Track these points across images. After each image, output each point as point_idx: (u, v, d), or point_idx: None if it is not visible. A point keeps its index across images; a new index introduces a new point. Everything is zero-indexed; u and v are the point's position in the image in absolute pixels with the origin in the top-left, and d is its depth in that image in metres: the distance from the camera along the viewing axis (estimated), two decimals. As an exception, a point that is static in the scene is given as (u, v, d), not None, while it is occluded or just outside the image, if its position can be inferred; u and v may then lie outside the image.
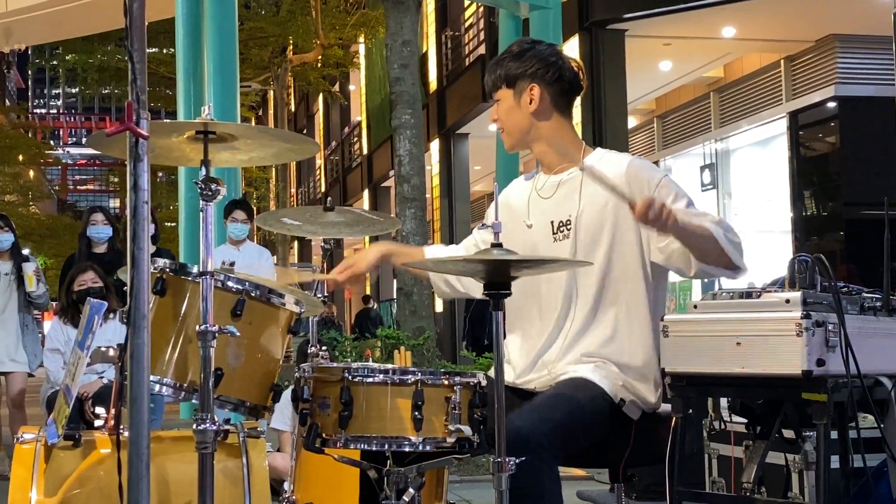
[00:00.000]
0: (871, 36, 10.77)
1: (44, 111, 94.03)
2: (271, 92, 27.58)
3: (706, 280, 3.52)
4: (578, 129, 2.95)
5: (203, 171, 2.37)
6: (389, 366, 2.30)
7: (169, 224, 21.04)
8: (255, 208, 15.83)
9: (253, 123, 25.41)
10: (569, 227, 2.66)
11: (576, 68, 2.74)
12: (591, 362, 2.60)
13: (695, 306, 2.51)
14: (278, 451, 5.33)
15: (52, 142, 55.93)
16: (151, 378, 2.21)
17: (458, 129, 17.43)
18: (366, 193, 23.98)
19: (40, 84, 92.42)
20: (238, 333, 2.33)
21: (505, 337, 2.71)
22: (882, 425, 2.51)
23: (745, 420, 2.69)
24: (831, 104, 11.42)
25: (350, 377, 2.20)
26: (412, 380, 2.20)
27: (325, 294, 2.96)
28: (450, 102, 17.64)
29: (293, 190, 33.91)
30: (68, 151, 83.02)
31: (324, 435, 2.21)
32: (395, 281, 14.44)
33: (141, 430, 1.88)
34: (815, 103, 11.60)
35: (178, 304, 2.41)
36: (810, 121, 11.91)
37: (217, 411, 2.32)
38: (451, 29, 18.27)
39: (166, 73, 19.35)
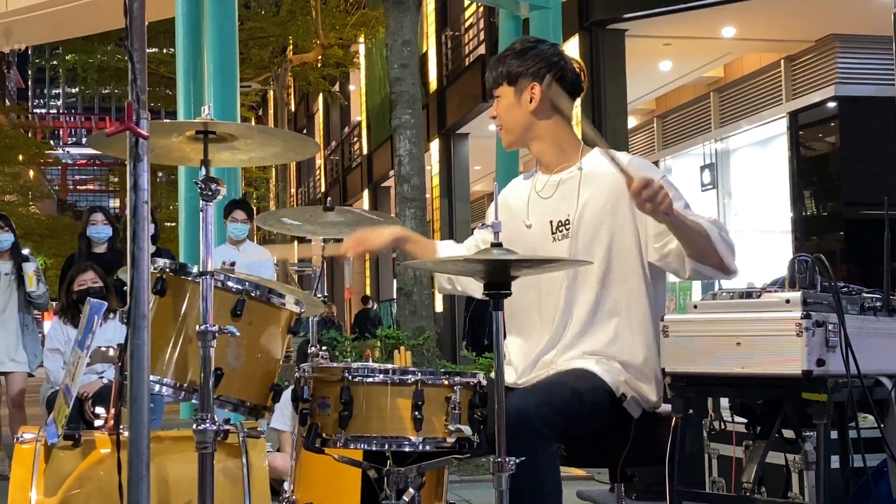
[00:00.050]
0: (871, 36, 10.78)
1: (44, 111, 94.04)
2: (271, 92, 27.58)
3: (706, 280, 3.52)
4: (578, 130, 2.94)
5: (203, 171, 2.37)
6: (389, 366, 2.30)
7: (169, 224, 21.05)
8: (255, 208, 15.83)
9: (253, 123, 25.39)
10: (568, 226, 2.66)
11: (577, 69, 2.74)
12: (593, 357, 2.60)
13: (695, 306, 2.51)
14: (278, 451, 5.33)
15: (52, 142, 55.96)
16: (151, 378, 2.21)
17: (458, 129, 17.43)
18: (366, 193, 23.97)
19: (40, 84, 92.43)
20: (238, 333, 2.33)
21: (505, 338, 2.72)
22: (882, 425, 2.51)
23: (745, 420, 2.69)
24: (831, 104, 11.42)
25: (350, 377, 2.20)
26: (412, 380, 2.20)
27: (325, 294, 2.96)
28: (450, 102, 17.64)
29: (293, 190, 33.91)
30: (68, 151, 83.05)
31: (324, 435, 2.21)
32: (395, 281, 14.43)
33: (141, 430, 1.88)
34: (815, 103, 11.60)
35: (178, 304, 2.41)
36: (810, 121, 11.91)
37: (217, 411, 2.32)
38: (451, 29, 18.27)
39: (166, 73, 19.35)
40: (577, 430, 2.49)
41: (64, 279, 5.94)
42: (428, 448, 2.21)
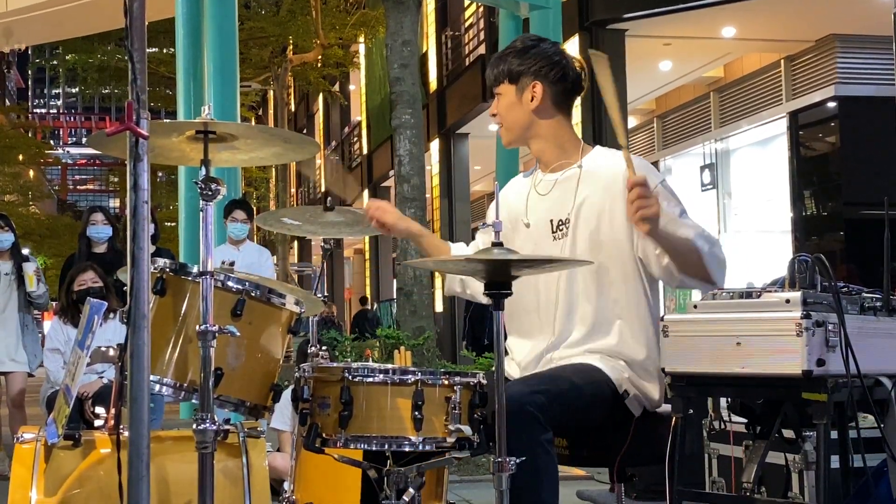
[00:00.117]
0: (871, 36, 10.77)
1: (44, 111, 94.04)
2: (271, 92, 27.58)
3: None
4: (578, 129, 2.94)
5: (203, 171, 2.37)
6: (389, 366, 2.30)
7: (169, 224, 21.04)
8: (255, 208, 15.84)
9: (253, 123, 25.40)
10: (567, 225, 2.67)
11: (579, 68, 2.74)
12: (597, 355, 2.60)
13: (695, 306, 2.51)
14: (278, 451, 5.33)
15: (52, 142, 55.99)
16: (151, 378, 2.21)
17: (458, 129, 17.43)
18: (366, 193, 23.98)
19: (40, 84, 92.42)
20: (238, 333, 2.33)
21: (507, 337, 2.72)
22: (882, 425, 2.51)
23: (745, 420, 2.69)
24: (831, 104, 11.42)
25: (350, 377, 2.20)
26: (412, 380, 2.20)
27: (325, 294, 2.96)
28: (450, 102, 17.63)
29: (293, 190, 33.91)
30: (68, 151, 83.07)
31: (324, 435, 2.21)
32: (395, 281, 14.44)
33: (141, 430, 1.88)
34: (815, 103, 11.60)
35: (178, 304, 2.41)
36: (810, 121, 11.91)
37: (217, 411, 2.32)
38: (451, 29, 18.27)
39: (166, 73, 19.35)
40: (575, 422, 2.49)
41: (64, 279, 5.94)
42: (428, 448, 2.21)
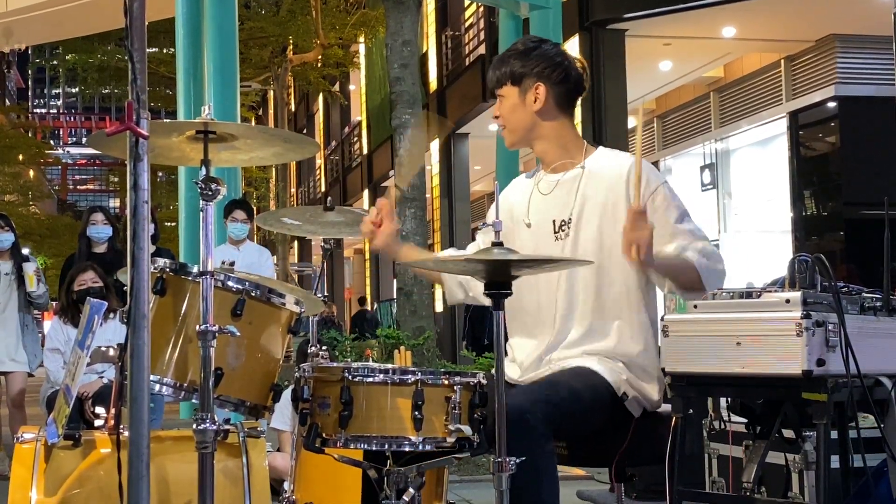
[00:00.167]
0: (871, 36, 10.78)
1: (44, 111, 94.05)
2: (271, 92, 27.58)
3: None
4: (578, 129, 2.94)
5: (203, 171, 2.37)
6: (389, 366, 2.30)
7: (169, 224, 21.05)
8: (255, 208, 15.84)
9: (253, 123, 25.40)
10: (569, 225, 2.67)
11: (581, 69, 2.75)
12: (595, 356, 2.61)
13: (695, 306, 2.51)
14: (278, 451, 5.33)
15: (52, 142, 55.99)
16: (151, 378, 2.21)
17: (458, 129, 17.43)
18: (366, 193, 23.97)
19: (40, 84, 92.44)
20: (238, 333, 2.33)
21: (508, 338, 2.72)
22: (882, 425, 2.51)
23: (745, 420, 2.69)
24: (831, 104, 11.43)
25: (350, 377, 2.20)
26: (412, 380, 2.20)
27: (325, 294, 2.96)
28: (450, 102, 17.64)
29: (293, 190, 33.92)
30: (68, 151, 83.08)
31: (324, 435, 2.21)
32: (395, 281, 14.44)
33: (141, 430, 1.88)
34: (815, 103, 11.60)
35: (178, 304, 2.41)
36: (810, 121, 11.92)
37: (217, 411, 2.32)
38: (451, 29, 18.27)
39: (166, 73, 19.35)
40: (576, 428, 2.49)
41: (64, 279, 5.94)
42: (428, 448, 2.21)
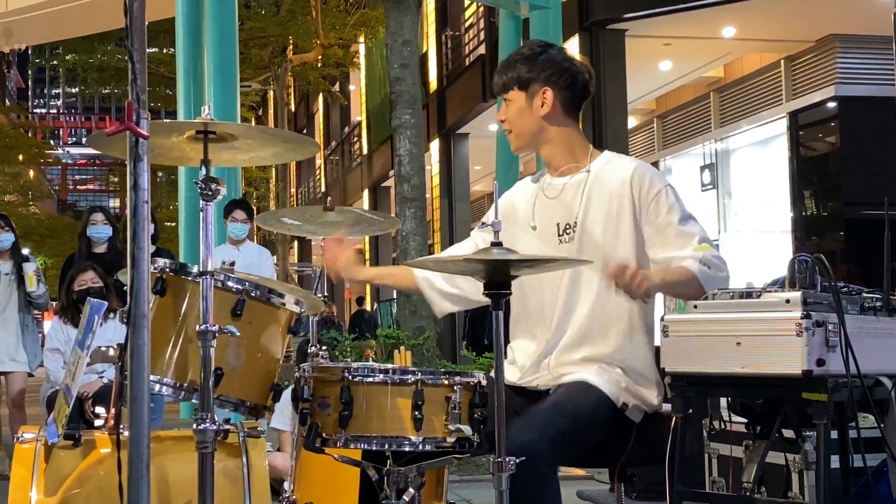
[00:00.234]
0: (871, 36, 10.77)
1: (44, 111, 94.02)
2: (271, 92, 27.58)
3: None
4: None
5: (203, 171, 2.38)
6: (389, 366, 2.30)
7: (169, 224, 21.04)
8: (255, 208, 15.84)
9: (253, 123, 25.39)
10: (574, 229, 2.67)
11: (587, 74, 2.75)
12: (594, 364, 2.60)
13: (695, 306, 2.51)
14: (278, 450, 5.33)
15: (52, 142, 56.01)
16: (151, 378, 2.21)
17: (458, 129, 17.43)
18: (366, 193, 23.97)
19: (40, 84, 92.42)
20: (238, 333, 2.33)
21: (510, 341, 2.73)
22: (882, 425, 2.51)
23: (745, 420, 2.69)
24: (831, 104, 11.42)
25: (350, 377, 2.20)
26: (412, 379, 2.20)
27: (325, 294, 2.96)
28: (450, 102, 17.64)
29: (293, 190, 33.91)
30: (68, 151, 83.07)
31: (324, 434, 2.21)
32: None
33: (141, 430, 1.88)
34: (815, 103, 11.60)
35: (178, 304, 2.41)
36: (810, 121, 11.91)
37: (217, 411, 2.32)
38: (451, 29, 18.27)
39: (166, 73, 19.36)
40: (578, 447, 2.51)
41: (64, 279, 5.94)
42: (428, 448, 2.21)
